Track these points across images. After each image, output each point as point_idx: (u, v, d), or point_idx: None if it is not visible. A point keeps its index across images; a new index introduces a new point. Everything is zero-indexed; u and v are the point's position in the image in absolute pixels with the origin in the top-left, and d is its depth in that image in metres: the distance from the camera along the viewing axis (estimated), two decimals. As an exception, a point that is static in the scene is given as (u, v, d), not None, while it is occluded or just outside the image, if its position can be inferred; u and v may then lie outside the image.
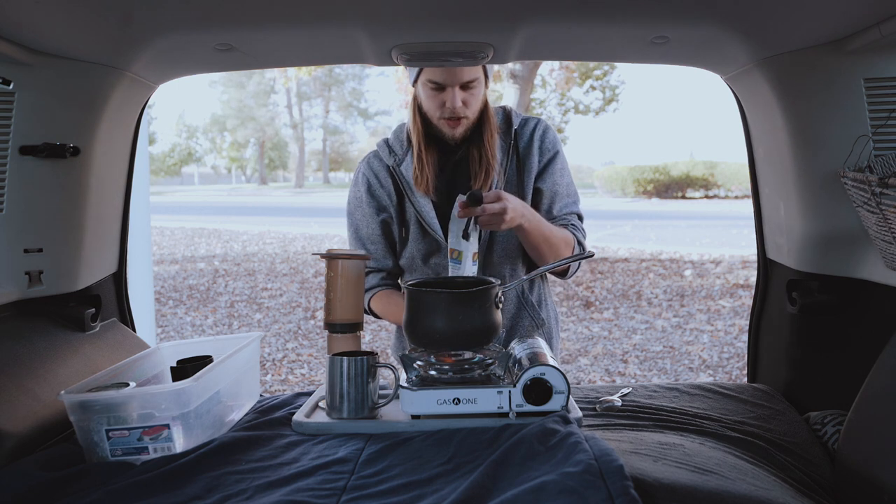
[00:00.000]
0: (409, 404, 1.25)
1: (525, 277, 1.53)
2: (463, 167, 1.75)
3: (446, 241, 1.71)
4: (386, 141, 1.84)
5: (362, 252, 1.57)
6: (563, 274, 1.81)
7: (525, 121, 1.81)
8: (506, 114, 1.82)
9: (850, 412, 1.18)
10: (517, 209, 1.56)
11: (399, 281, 1.88)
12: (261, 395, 1.55)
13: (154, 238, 12.06)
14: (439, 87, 1.65)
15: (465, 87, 1.65)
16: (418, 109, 1.74)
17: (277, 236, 12.70)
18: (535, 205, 1.78)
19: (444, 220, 1.74)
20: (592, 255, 1.58)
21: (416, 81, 1.71)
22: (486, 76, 1.71)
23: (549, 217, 1.77)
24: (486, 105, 1.74)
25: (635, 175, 21.67)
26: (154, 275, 6.44)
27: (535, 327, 1.81)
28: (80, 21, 1.29)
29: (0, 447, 1.16)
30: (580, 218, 1.83)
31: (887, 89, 1.44)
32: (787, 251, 1.65)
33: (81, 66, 1.44)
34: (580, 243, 1.77)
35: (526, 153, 1.77)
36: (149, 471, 1.09)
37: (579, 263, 1.79)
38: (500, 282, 1.34)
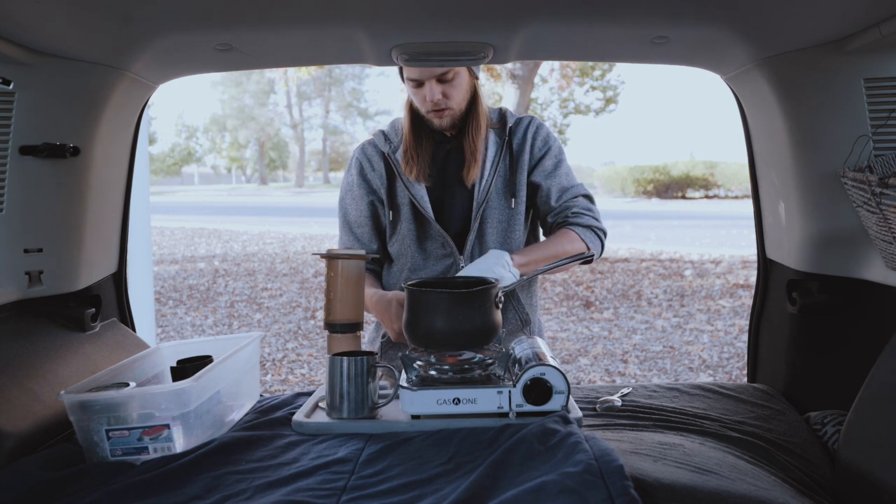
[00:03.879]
0: (409, 404, 1.25)
1: (525, 277, 1.53)
2: (455, 157, 1.80)
3: (439, 225, 1.75)
4: (382, 130, 1.88)
5: (362, 252, 1.57)
6: (586, 262, 1.80)
7: (519, 119, 1.85)
8: (501, 113, 1.86)
9: (850, 412, 1.18)
10: (497, 270, 1.59)
11: (383, 268, 1.89)
12: (261, 395, 1.55)
13: (154, 238, 12.05)
14: (418, 84, 1.70)
15: (442, 79, 1.68)
16: (410, 105, 1.79)
17: (277, 236, 12.69)
18: (533, 199, 1.81)
19: (437, 206, 1.78)
20: (592, 256, 1.58)
21: (403, 80, 1.76)
22: (471, 68, 1.74)
23: (550, 209, 1.79)
24: (475, 97, 1.77)
25: (635, 175, 21.66)
26: (154, 275, 6.44)
27: (522, 325, 1.81)
28: (80, 21, 1.29)
29: (0, 447, 1.16)
30: (588, 198, 1.83)
31: (887, 89, 1.44)
32: (787, 251, 1.65)
33: (81, 66, 1.44)
34: (591, 227, 1.77)
35: (519, 149, 1.81)
36: (149, 471, 1.09)
37: (602, 245, 1.80)
38: (499, 281, 1.34)
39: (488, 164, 1.78)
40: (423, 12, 1.33)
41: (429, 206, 1.77)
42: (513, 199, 1.78)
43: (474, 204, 1.76)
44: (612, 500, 0.89)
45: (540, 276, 1.90)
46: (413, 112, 1.79)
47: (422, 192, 1.78)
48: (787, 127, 1.53)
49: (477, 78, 1.77)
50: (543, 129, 1.84)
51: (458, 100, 1.73)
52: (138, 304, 3.16)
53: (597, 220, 1.80)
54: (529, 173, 1.80)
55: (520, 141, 1.82)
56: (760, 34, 1.43)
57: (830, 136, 1.48)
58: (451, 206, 1.79)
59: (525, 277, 1.55)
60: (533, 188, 1.81)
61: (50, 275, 1.53)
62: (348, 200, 1.87)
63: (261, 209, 21.26)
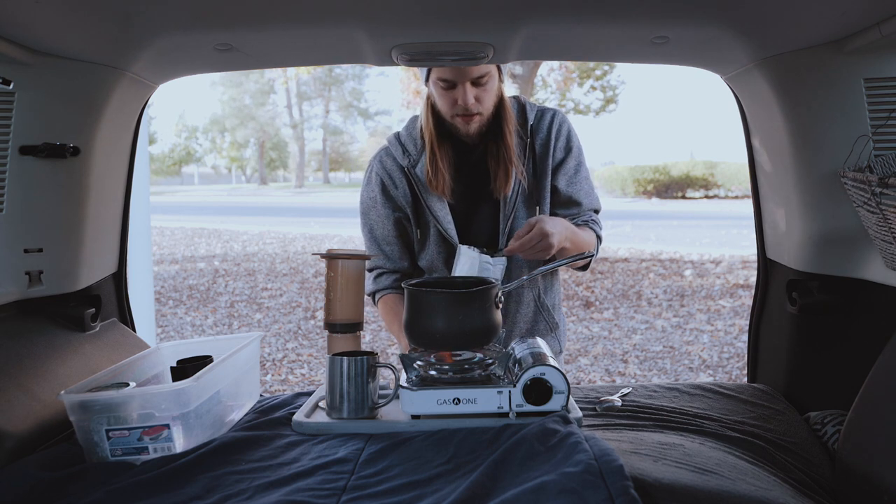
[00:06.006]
0: (409, 404, 1.25)
1: (525, 277, 1.52)
2: (481, 167, 1.72)
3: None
4: (398, 138, 1.79)
5: (363, 252, 1.57)
6: (584, 267, 1.77)
7: (541, 114, 1.76)
8: (520, 107, 1.76)
9: (850, 412, 1.18)
10: (560, 234, 1.53)
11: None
12: (261, 395, 1.55)
13: (154, 238, 12.05)
14: (450, 85, 1.63)
15: (476, 82, 1.62)
16: (431, 108, 1.71)
17: (277, 236, 12.69)
18: (553, 203, 1.75)
19: (462, 224, 1.72)
20: (592, 256, 1.58)
21: (427, 80, 1.68)
22: (500, 70, 1.67)
23: (566, 215, 1.75)
24: (501, 100, 1.70)
25: (635, 175, 21.66)
26: (154, 275, 6.44)
27: (550, 330, 1.81)
28: (80, 21, 1.29)
29: (0, 447, 1.16)
30: (597, 211, 1.81)
31: (887, 89, 1.44)
32: (787, 251, 1.64)
33: (81, 66, 1.44)
34: (599, 238, 1.76)
35: (543, 152, 1.73)
36: (149, 471, 1.09)
37: (595, 255, 1.76)
38: (499, 281, 1.34)
39: (514, 173, 1.70)
40: (423, 12, 1.33)
41: (453, 227, 1.71)
42: (537, 208, 1.72)
43: (501, 217, 1.70)
44: (612, 500, 0.89)
45: (549, 276, 1.86)
46: (435, 118, 1.70)
47: (444, 213, 1.71)
48: (787, 127, 1.53)
49: (503, 81, 1.70)
50: (566, 127, 1.76)
51: (489, 105, 1.66)
52: (138, 304, 3.16)
53: (601, 230, 1.79)
54: (551, 175, 1.74)
55: (543, 141, 1.73)
56: (760, 34, 1.43)
57: (830, 136, 1.48)
58: (478, 223, 1.73)
59: (525, 277, 1.53)
60: (553, 190, 1.74)
61: (50, 275, 1.53)
62: (373, 216, 1.79)
63: (261, 209, 21.26)
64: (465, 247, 1.63)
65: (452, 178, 1.71)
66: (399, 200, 1.76)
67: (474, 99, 1.62)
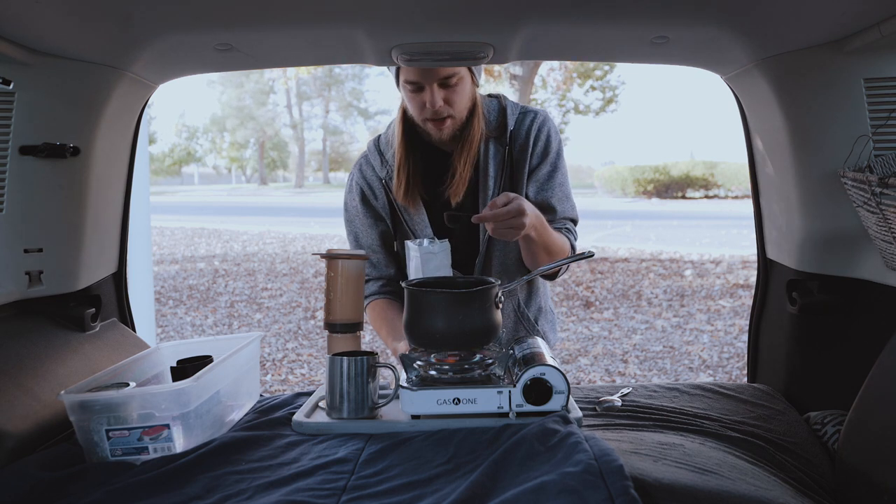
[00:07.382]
0: (409, 404, 1.25)
1: (525, 278, 1.52)
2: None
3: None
4: (377, 144, 1.76)
5: (362, 252, 1.57)
6: (552, 276, 1.75)
7: (522, 116, 1.69)
8: (500, 109, 1.69)
9: (850, 412, 1.18)
10: (531, 219, 1.47)
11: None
12: (261, 395, 1.55)
13: (154, 238, 12.05)
14: (418, 87, 1.56)
15: (445, 84, 1.55)
16: (404, 114, 1.67)
17: (277, 236, 12.69)
18: None
19: (441, 233, 1.68)
20: (592, 255, 1.58)
21: (398, 84, 1.63)
22: (472, 72, 1.62)
23: None
24: (475, 105, 1.64)
25: (635, 175, 21.66)
26: (154, 275, 6.43)
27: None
28: (80, 21, 1.29)
29: (0, 447, 1.16)
30: (574, 222, 1.76)
31: (887, 89, 1.44)
32: (787, 251, 1.65)
33: (81, 66, 1.44)
34: (573, 247, 1.72)
35: (520, 158, 1.67)
36: (149, 471, 1.09)
37: (569, 266, 1.74)
38: (499, 281, 1.34)
39: (491, 184, 1.65)
40: (423, 12, 1.33)
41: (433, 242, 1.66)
42: None
43: (481, 228, 1.67)
44: (612, 500, 0.89)
45: (530, 284, 1.84)
46: (406, 124, 1.66)
47: (425, 228, 1.68)
48: (787, 127, 1.53)
49: (478, 85, 1.65)
50: (545, 131, 1.68)
51: (461, 108, 1.59)
52: (138, 304, 3.16)
53: (576, 240, 1.74)
54: (526, 182, 1.69)
55: (521, 147, 1.67)
56: (760, 34, 1.43)
57: (830, 136, 1.48)
58: (458, 233, 1.68)
59: (525, 278, 1.53)
60: (525, 197, 1.67)
61: (50, 275, 1.53)
62: (358, 225, 1.77)
63: (261, 209, 21.26)
64: (410, 242, 1.60)
65: (427, 185, 1.67)
66: (379, 211, 1.75)
67: (443, 101, 1.56)
